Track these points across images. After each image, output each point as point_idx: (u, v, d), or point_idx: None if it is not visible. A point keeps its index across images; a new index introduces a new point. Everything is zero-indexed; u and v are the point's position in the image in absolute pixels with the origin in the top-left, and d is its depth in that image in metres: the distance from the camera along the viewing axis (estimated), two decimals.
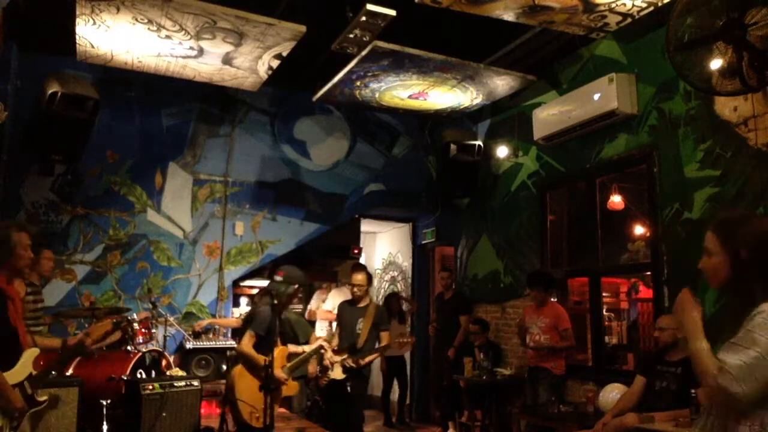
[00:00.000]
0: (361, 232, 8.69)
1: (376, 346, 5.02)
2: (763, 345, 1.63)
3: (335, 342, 5.15)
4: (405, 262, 8.87)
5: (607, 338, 5.97)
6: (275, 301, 4.23)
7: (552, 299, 5.58)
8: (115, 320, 3.59)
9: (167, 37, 4.82)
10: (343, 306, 5.28)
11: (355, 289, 5.12)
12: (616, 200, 5.80)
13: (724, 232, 1.85)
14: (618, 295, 6.83)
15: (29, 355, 2.98)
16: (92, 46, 5.04)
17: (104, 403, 4.40)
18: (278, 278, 4.28)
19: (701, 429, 1.79)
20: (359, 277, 5.15)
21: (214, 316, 6.47)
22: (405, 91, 5.97)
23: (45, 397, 3.00)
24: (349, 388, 4.90)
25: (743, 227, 1.83)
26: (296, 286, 4.43)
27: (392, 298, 7.97)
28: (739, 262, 1.78)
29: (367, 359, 4.95)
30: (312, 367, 5.60)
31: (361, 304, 5.14)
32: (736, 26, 3.59)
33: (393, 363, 7.73)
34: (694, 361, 1.74)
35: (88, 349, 3.30)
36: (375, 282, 9.18)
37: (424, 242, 8.29)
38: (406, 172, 7.60)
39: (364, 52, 4.94)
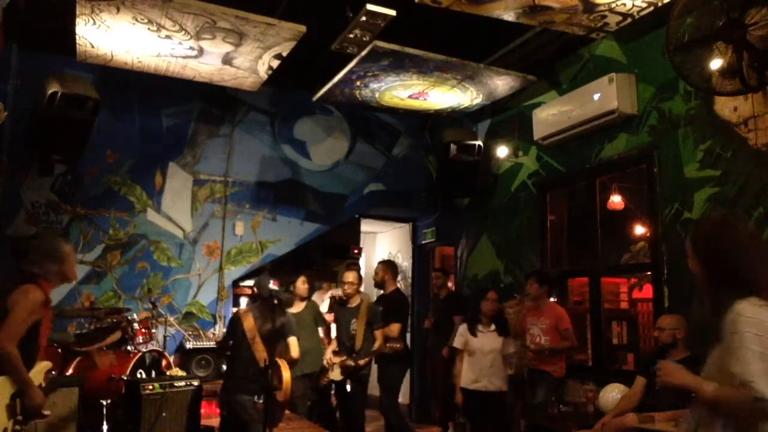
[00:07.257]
0: (361, 232, 8.69)
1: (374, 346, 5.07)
2: (755, 342, 1.65)
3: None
4: (405, 262, 8.86)
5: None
6: (276, 302, 4.30)
7: (551, 299, 5.57)
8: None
9: (167, 37, 4.81)
10: (335, 306, 5.39)
11: (346, 287, 5.25)
12: (616, 200, 5.79)
13: (693, 237, 1.92)
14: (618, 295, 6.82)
15: (42, 367, 3.02)
16: (92, 46, 5.04)
17: (104, 403, 4.41)
18: (276, 287, 4.35)
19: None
20: (350, 277, 5.26)
21: (214, 316, 6.47)
22: (405, 91, 5.97)
23: (48, 411, 3.00)
24: (348, 389, 4.93)
25: (709, 231, 1.89)
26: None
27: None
28: (706, 265, 1.85)
29: (365, 360, 4.97)
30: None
31: (353, 304, 5.20)
32: (736, 26, 3.59)
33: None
34: (719, 405, 1.74)
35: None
36: None
37: (424, 242, 8.27)
38: (406, 172, 7.60)
39: (364, 52, 4.93)
